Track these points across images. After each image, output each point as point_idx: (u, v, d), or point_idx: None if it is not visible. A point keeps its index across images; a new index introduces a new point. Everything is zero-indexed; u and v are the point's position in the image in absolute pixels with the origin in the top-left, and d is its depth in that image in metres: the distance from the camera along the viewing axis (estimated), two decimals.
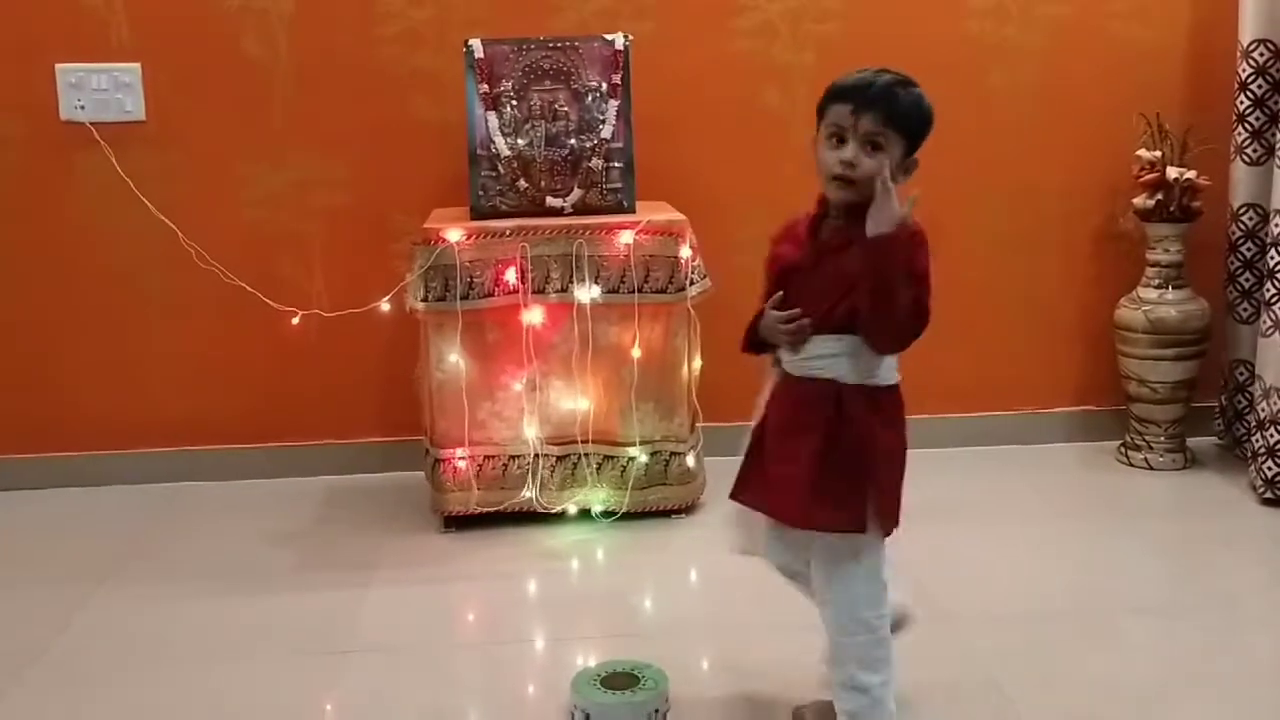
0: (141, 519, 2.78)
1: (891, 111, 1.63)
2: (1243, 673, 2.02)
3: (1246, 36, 2.81)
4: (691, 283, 2.60)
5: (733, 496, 1.78)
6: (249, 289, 2.87)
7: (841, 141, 1.64)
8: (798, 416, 1.67)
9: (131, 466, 2.97)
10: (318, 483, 2.96)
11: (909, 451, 1.70)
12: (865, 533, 1.64)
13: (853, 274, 1.62)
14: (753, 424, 1.77)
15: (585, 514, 2.65)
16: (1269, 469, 2.70)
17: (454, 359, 2.56)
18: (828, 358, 1.66)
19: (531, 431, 2.60)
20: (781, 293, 1.67)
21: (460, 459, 2.59)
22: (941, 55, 2.95)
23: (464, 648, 2.19)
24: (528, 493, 2.61)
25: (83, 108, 2.84)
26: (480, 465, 2.61)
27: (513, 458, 2.61)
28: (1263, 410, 2.74)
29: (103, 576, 2.45)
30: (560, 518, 2.64)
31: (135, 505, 2.86)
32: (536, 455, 2.61)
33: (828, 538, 1.67)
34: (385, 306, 2.80)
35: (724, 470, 2.78)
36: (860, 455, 1.64)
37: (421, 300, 2.55)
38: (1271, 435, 2.70)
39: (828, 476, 1.63)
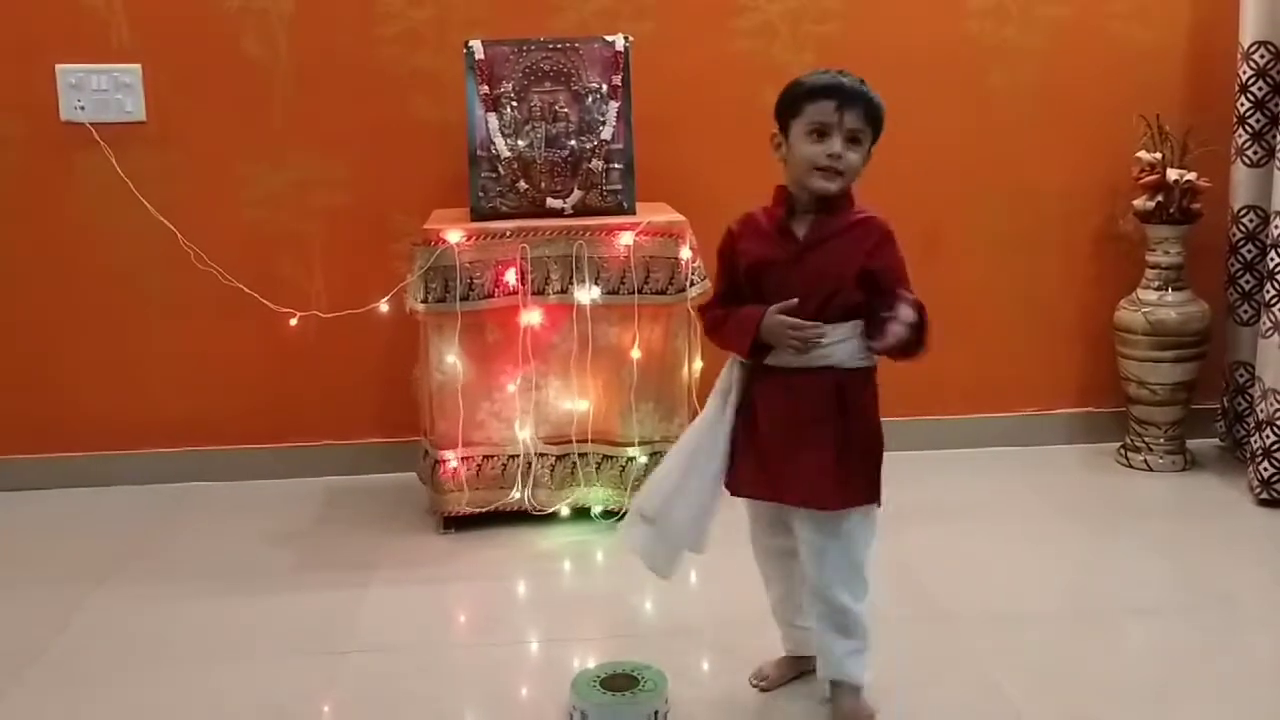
0: (141, 519, 2.78)
1: (870, 109, 1.73)
2: (1241, 673, 2.02)
3: (1247, 38, 2.81)
4: (691, 284, 2.60)
5: (742, 493, 1.85)
6: (247, 290, 2.86)
7: (823, 136, 1.72)
8: (804, 405, 1.74)
9: (130, 467, 2.97)
10: (317, 483, 2.96)
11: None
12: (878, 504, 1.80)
13: (840, 268, 1.71)
14: (706, 421, 1.83)
15: (584, 514, 2.65)
16: (1265, 470, 2.70)
17: (453, 360, 2.56)
18: (828, 346, 1.73)
19: (525, 432, 2.60)
20: (796, 300, 1.72)
21: (459, 459, 2.59)
22: (941, 56, 2.95)
23: (463, 648, 2.19)
24: (517, 493, 2.61)
25: (83, 108, 2.84)
26: (479, 465, 2.61)
27: (511, 458, 2.61)
28: (1261, 412, 2.74)
29: (102, 577, 2.45)
30: (560, 518, 2.64)
31: (135, 505, 2.86)
32: (529, 455, 2.61)
33: (833, 514, 1.76)
34: (384, 307, 2.80)
35: None
36: (866, 433, 1.76)
37: (421, 301, 2.55)
38: (1269, 436, 2.69)
39: (846, 458, 1.75)
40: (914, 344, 1.70)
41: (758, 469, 1.79)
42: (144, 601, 2.35)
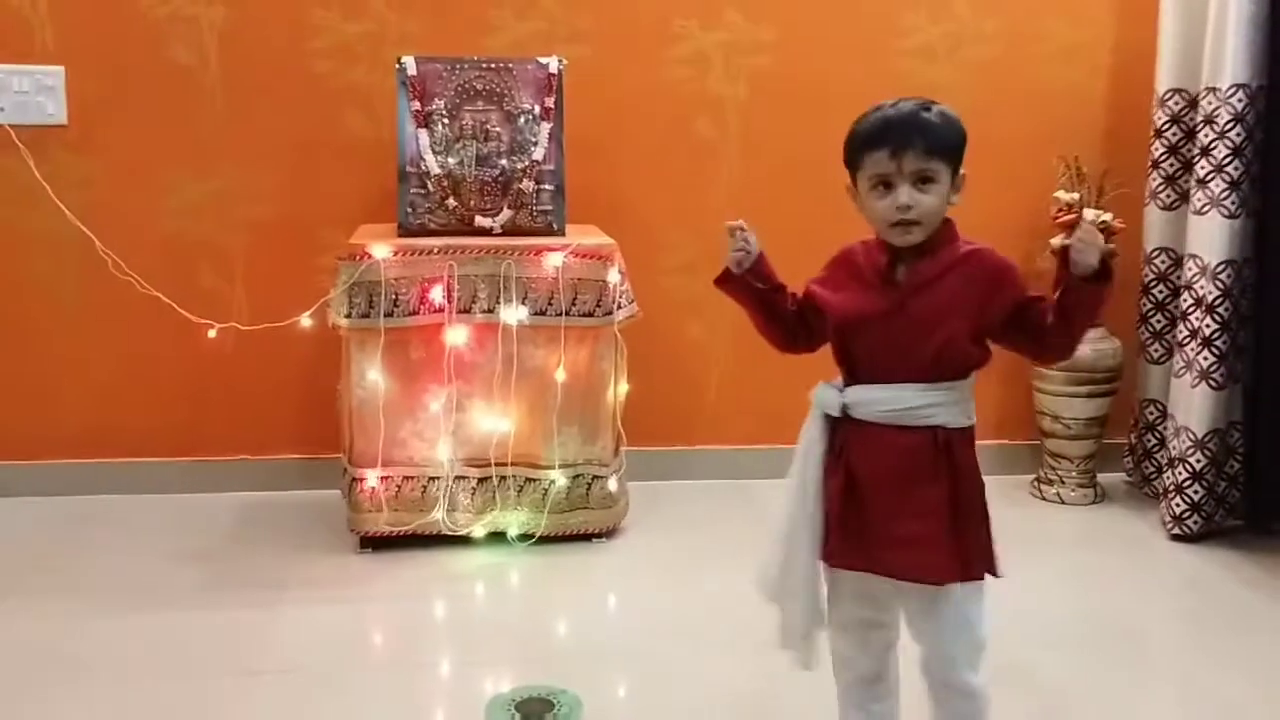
0: (46, 533, 2.70)
1: (931, 141, 1.57)
2: (1143, 708, 2.06)
3: (1162, 85, 2.90)
4: (619, 307, 2.61)
5: (834, 563, 1.62)
6: (165, 299, 2.81)
7: (889, 187, 1.56)
8: (909, 468, 1.56)
9: (38, 478, 2.89)
10: (232, 499, 2.91)
11: None
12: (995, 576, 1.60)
13: (949, 312, 1.55)
14: (801, 478, 1.62)
15: (502, 537, 2.63)
16: (1177, 505, 2.76)
17: (375, 377, 2.53)
18: (936, 406, 1.55)
19: (445, 453, 2.58)
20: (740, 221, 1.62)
21: (378, 478, 2.56)
22: (871, 92, 2.96)
23: (377, 670, 2.16)
24: (437, 514, 2.58)
25: (2, 109, 2.77)
26: (399, 485, 2.58)
27: (432, 479, 2.59)
28: (1174, 449, 2.81)
29: (3, 592, 2.38)
30: (480, 540, 2.62)
31: (39, 518, 2.78)
32: (449, 477, 2.58)
33: (947, 587, 1.58)
34: (306, 321, 2.76)
35: (646, 495, 2.81)
36: (976, 500, 1.58)
37: (345, 316, 2.52)
38: (1180, 473, 2.76)
39: (959, 528, 1.56)
40: (1103, 274, 1.49)
41: (854, 536, 1.59)
42: (48, 618, 2.28)
